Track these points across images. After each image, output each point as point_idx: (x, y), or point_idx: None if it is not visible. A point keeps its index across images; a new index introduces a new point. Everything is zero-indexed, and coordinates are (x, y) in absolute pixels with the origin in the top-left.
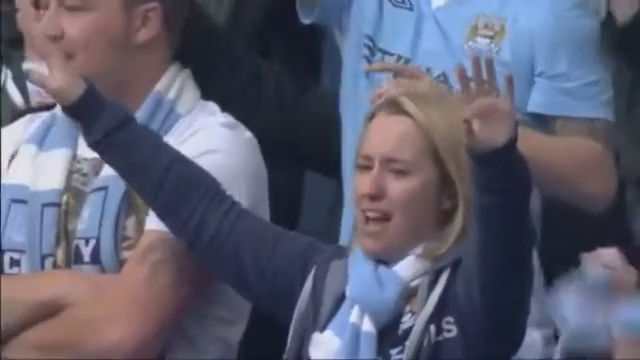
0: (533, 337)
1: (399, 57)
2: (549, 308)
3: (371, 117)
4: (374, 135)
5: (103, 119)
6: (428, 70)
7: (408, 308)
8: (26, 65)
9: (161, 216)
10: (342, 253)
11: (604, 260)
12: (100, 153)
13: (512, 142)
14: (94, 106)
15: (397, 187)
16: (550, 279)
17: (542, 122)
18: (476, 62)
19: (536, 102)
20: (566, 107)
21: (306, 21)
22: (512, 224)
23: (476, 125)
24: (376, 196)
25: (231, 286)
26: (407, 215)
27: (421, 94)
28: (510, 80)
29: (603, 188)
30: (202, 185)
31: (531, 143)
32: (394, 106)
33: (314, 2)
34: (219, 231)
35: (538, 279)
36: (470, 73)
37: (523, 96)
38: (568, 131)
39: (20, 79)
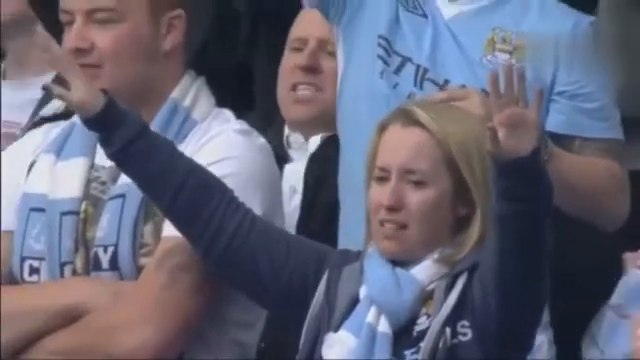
0: (540, 339)
1: (418, 66)
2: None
3: (383, 128)
4: (389, 146)
5: (122, 130)
6: (447, 81)
7: (424, 310)
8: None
9: (178, 224)
10: (352, 258)
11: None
12: (119, 163)
13: (536, 153)
14: (114, 118)
15: (415, 198)
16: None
17: (559, 140)
18: (509, 71)
19: (556, 122)
20: (586, 128)
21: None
22: (531, 233)
23: (502, 134)
24: (395, 208)
25: (245, 291)
26: (424, 224)
27: (432, 104)
28: (540, 94)
29: (622, 207)
30: (218, 192)
31: (567, 163)
32: (407, 117)
33: None
34: (236, 236)
35: None
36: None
37: (543, 114)
38: (586, 151)
39: None
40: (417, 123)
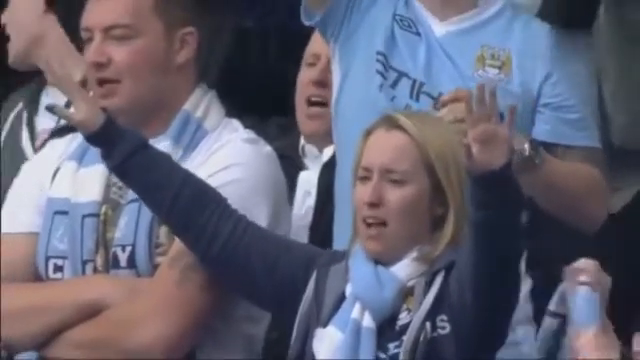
0: (526, 330)
1: (414, 80)
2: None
3: (368, 134)
4: (373, 148)
5: (121, 145)
6: (441, 94)
7: (405, 306)
8: (49, 101)
9: (176, 230)
10: (339, 257)
11: (581, 275)
12: (119, 176)
13: (507, 166)
14: (113, 134)
15: (395, 195)
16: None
17: (544, 147)
18: (481, 89)
19: (542, 131)
20: (569, 137)
21: (307, 23)
22: (503, 237)
23: (475, 149)
24: (375, 203)
25: (239, 290)
26: (403, 221)
27: (415, 114)
28: (513, 111)
29: (602, 209)
30: (212, 200)
31: (554, 168)
32: (390, 122)
33: (318, 9)
34: (230, 239)
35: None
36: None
37: (529, 123)
38: (568, 158)
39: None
40: (399, 127)
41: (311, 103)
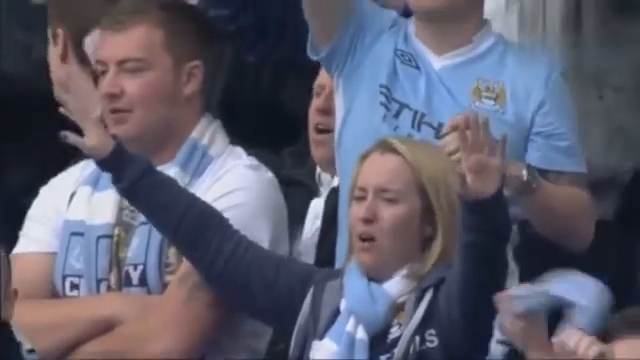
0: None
1: (416, 112)
2: None
3: (364, 158)
4: (368, 170)
5: (129, 170)
6: (441, 124)
7: (396, 321)
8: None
9: (182, 249)
10: (335, 275)
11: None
12: (128, 197)
13: (498, 193)
14: (122, 159)
15: (388, 213)
16: None
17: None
18: (474, 120)
19: (534, 158)
20: (560, 163)
21: (313, 57)
22: (491, 258)
23: (469, 178)
24: (369, 219)
25: (241, 306)
26: (395, 238)
27: (408, 140)
28: (504, 141)
29: (591, 230)
30: (217, 221)
31: (549, 192)
32: (385, 146)
33: (324, 45)
34: (232, 258)
35: None
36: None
37: (522, 151)
38: (560, 182)
39: None
40: (394, 150)
41: (318, 130)
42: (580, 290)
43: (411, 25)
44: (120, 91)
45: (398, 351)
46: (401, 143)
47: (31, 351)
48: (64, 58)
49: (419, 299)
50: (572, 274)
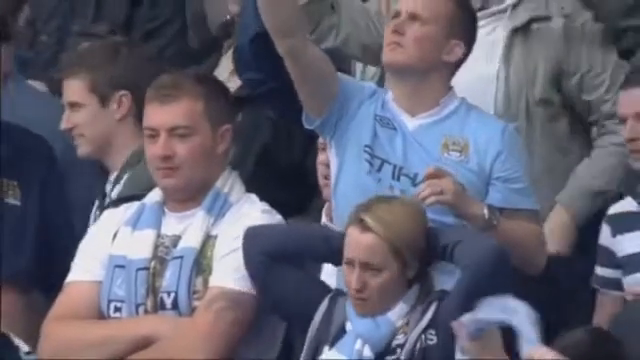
0: None
1: (395, 165)
2: None
3: (349, 224)
4: (352, 245)
5: None
6: (416, 174)
7: (400, 330)
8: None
9: None
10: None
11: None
12: None
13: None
14: None
15: (374, 282)
16: None
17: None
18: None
19: (495, 199)
20: (516, 202)
21: (308, 127)
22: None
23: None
24: (360, 290)
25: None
26: (383, 296)
27: (386, 203)
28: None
29: (545, 258)
30: None
31: (508, 227)
32: (363, 226)
33: (317, 117)
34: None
35: None
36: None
37: (484, 193)
38: (516, 218)
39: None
40: (369, 229)
41: (324, 177)
42: (507, 311)
43: (389, 92)
44: (172, 153)
45: (406, 349)
46: (374, 221)
47: (29, 353)
48: None
49: (424, 311)
50: (499, 299)
